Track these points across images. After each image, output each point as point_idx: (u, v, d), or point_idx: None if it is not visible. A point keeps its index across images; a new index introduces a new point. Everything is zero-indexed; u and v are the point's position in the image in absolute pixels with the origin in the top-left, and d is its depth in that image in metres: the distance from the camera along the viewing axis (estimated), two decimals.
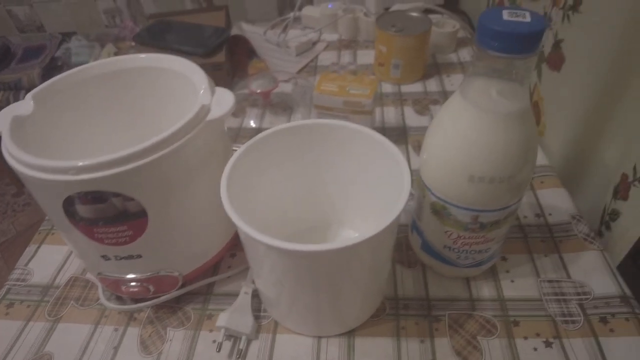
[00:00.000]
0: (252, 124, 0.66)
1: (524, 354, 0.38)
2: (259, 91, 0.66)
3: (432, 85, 0.71)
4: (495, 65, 0.31)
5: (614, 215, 0.46)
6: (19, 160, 0.33)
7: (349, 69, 0.77)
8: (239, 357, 0.39)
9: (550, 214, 0.49)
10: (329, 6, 0.84)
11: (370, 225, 0.31)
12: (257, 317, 0.42)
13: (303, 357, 0.39)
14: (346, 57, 0.80)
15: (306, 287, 0.35)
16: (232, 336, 0.41)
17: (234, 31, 0.77)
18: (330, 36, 0.86)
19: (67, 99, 0.41)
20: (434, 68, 0.75)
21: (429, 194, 0.38)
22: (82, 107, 0.43)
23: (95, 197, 0.32)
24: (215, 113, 0.36)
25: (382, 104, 0.68)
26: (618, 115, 0.47)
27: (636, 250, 0.43)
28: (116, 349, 0.41)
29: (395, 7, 0.78)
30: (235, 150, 0.38)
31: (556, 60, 0.56)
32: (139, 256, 0.38)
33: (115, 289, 0.42)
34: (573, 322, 0.40)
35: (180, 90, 0.42)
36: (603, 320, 0.40)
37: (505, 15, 0.29)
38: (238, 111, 0.68)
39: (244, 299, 0.43)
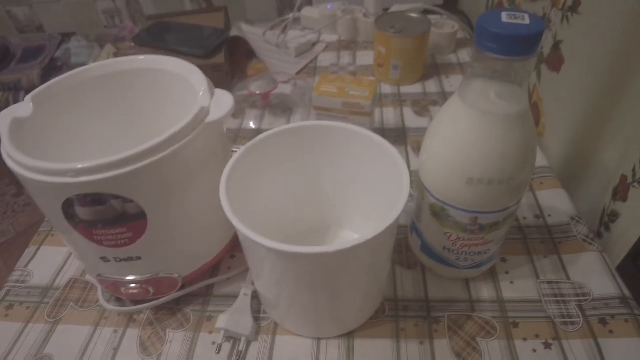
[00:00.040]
0: (252, 125, 0.66)
1: (523, 355, 0.38)
2: (258, 92, 0.66)
3: (432, 86, 0.71)
4: (494, 67, 0.31)
5: (613, 216, 0.46)
6: (18, 163, 0.33)
7: (349, 70, 0.77)
8: (238, 359, 0.39)
9: (549, 215, 0.49)
10: (328, 7, 0.84)
11: (370, 226, 0.31)
12: (256, 319, 0.42)
13: (302, 358, 0.39)
14: (345, 58, 0.80)
15: (305, 288, 0.35)
16: (231, 338, 0.41)
17: (234, 32, 0.77)
18: (329, 37, 0.86)
19: (66, 101, 0.41)
20: (433, 69, 0.75)
21: (428, 196, 0.38)
22: (81, 109, 0.43)
23: (94, 199, 0.32)
24: (214, 115, 0.36)
25: (381, 105, 0.68)
26: (617, 116, 0.47)
27: (635, 252, 0.43)
28: (116, 350, 0.41)
29: (394, 8, 0.78)
30: (235, 151, 0.38)
31: (555, 62, 0.56)
32: (139, 258, 0.38)
33: (115, 290, 0.42)
34: (572, 323, 0.40)
35: (179, 91, 0.42)
36: (602, 321, 0.40)
37: (504, 17, 0.29)
38: (237, 112, 0.68)
39: (244, 300, 0.43)
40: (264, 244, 0.30)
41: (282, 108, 0.68)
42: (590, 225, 0.49)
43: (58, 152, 0.40)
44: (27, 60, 1.58)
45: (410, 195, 0.39)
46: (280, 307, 0.39)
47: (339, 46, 0.83)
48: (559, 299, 0.42)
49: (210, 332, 0.42)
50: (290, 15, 0.87)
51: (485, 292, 0.43)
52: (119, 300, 0.45)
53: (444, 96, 0.69)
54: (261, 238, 0.30)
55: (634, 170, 0.43)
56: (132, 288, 0.40)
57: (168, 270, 0.41)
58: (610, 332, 0.39)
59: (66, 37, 1.68)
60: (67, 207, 0.33)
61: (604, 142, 0.49)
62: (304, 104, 0.68)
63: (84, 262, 0.41)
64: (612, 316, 0.40)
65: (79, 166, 0.31)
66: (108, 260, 0.38)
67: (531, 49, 0.29)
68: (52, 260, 0.50)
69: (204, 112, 0.36)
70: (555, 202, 0.51)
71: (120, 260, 0.38)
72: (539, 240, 0.47)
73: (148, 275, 0.40)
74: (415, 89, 0.71)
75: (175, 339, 0.41)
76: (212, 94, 0.38)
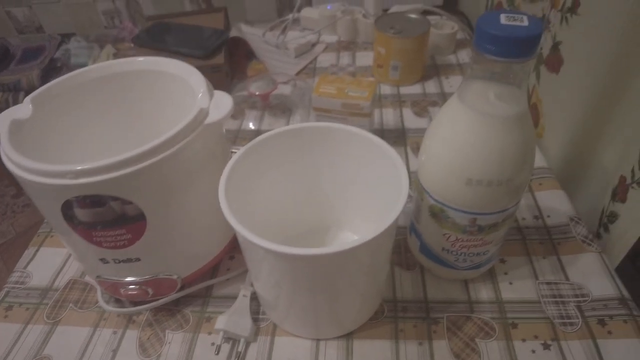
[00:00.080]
0: (251, 125, 0.66)
1: (522, 356, 0.38)
2: (257, 93, 0.66)
3: (431, 86, 0.71)
4: (493, 69, 0.31)
5: (612, 217, 0.46)
6: (18, 164, 0.33)
7: (348, 70, 0.77)
8: None
9: (548, 216, 0.49)
10: (328, 7, 0.84)
11: (369, 227, 0.31)
12: (255, 320, 0.42)
13: (301, 359, 0.39)
14: (345, 58, 0.80)
15: (304, 290, 0.35)
16: (230, 339, 0.41)
17: (233, 33, 0.77)
18: (329, 38, 0.86)
19: (65, 102, 0.41)
20: (432, 69, 0.75)
21: (427, 197, 0.38)
22: (80, 111, 0.43)
23: (93, 200, 0.32)
24: (213, 116, 0.36)
25: (380, 105, 0.68)
26: (616, 117, 0.47)
27: (634, 253, 0.43)
28: (115, 351, 0.41)
29: (393, 9, 0.78)
30: (234, 152, 0.38)
31: (555, 63, 0.56)
32: (138, 259, 0.38)
33: (114, 291, 0.42)
34: (571, 324, 0.40)
35: (178, 93, 0.42)
36: (601, 322, 0.40)
37: (503, 19, 0.29)
38: (237, 113, 0.68)
39: (243, 301, 0.43)
40: (263, 246, 0.30)
41: (282, 109, 0.68)
42: (589, 226, 0.49)
43: (57, 154, 0.40)
44: (27, 60, 1.58)
45: (409, 196, 0.39)
46: (279, 308, 0.39)
47: (338, 47, 0.83)
48: (557, 299, 0.42)
49: (210, 333, 0.42)
50: (290, 16, 0.87)
51: (484, 293, 0.43)
52: (118, 302, 0.45)
53: (443, 97, 0.69)
54: (259, 239, 0.30)
55: (632, 171, 0.43)
56: (132, 289, 0.40)
57: (167, 271, 0.41)
58: (609, 333, 0.39)
59: (66, 37, 1.68)
60: (66, 209, 0.33)
61: (603, 143, 0.49)
62: (304, 105, 0.68)
63: (83, 263, 0.41)
64: (611, 317, 0.40)
65: (78, 168, 0.31)
66: (107, 262, 0.38)
67: (530, 50, 0.29)
68: (52, 261, 0.50)
69: (203, 113, 0.36)
70: (554, 203, 0.51)
71: (120, 262, 0.38)
72: (538, 241, 0.47)
73: (147, 277, 0.40)
74: (414, 89, 0.71)
75: (175, 340, 0.41)
76: (211, 96, 0.38)
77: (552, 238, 0.47)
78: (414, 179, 0.40)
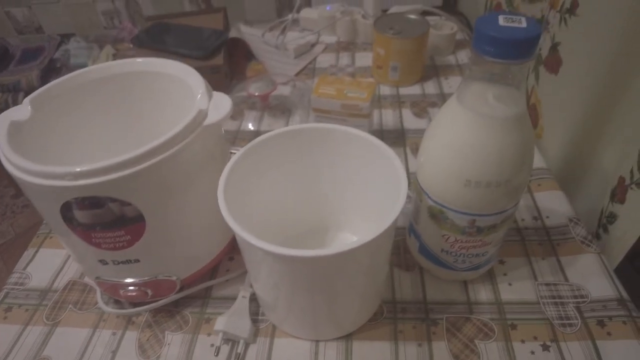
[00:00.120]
0: (250, 126, 0.66)
1: (521, 357, 0.38)
2: (257, 94, 0.66)
3: (430, 87, 0.71)
4: (491, 70, 0.31)
5: (611, 218, 0.46)
6: (17, 166, 0.33)
7: (347, 71, 0.77)
8: None
9: (547, 217, 0.49)
10: (327, 8, 0.84)
11: (368, 228, 0.31)
12: (255, 321, 0.42)
13: None
14: (344, 59, 0.80)
15: (304, 291, 0.35)
16: (230, 340, 0.41)
17: (233, 33, 0.77)
18: (328, 38, 0.86)
19: (64, 103, 0.41)
20: (432, 70, 0.75)
21: (426, 198, 0.38)
22: (79, 112, 0.43)
23: (92, 202, 0.32)
24: (212, 118, 0.36)
25: (380, 106, 0.68)
26: (615, 117, 0.47)
27: (633, 253, 0.43)
28: (114, 352, 0.41)
29: (393, 10, 0.78)
30: (233, 153, 0.38)
31: (553, 63, 0.56)
32: (137, 260, 0.38)
33: (114, 293, 0.42)
34: (570, 325, 0.40)
35: (177, 94, 0.42)
36: (600, 323, 0.40)
37: (501, 20, 0.29)
38: (236, 114, 0.68)
39: (242, 302, 0.43)
40: (262, 247, 0.30)
41: (281, 109, 0.68)
42: (589, 227, 0.49)
43: (56, 155, 0.40)
44: (26, 61, 1.58)
45: (408, 197, 0.39)
46: (279, 309, 0.39)
47: (337, 47, 0.83)
48: (557, 300, 0.42)
49: (209, 334, 0.42)
50: (289, 17, 0.87)
51: (483, 294, 0.43)
52: (118, 303, 0.45)
53: (442, 97, 0.69)
54: (258, 241, 0.30)
55: (631, 172, 0.43)
56: (131, 290, 0.40)
57: (166, 272, 0.41)
58: (608, 334, 0.39)
59: (65, 38, 1.67)
60: (66, 210, 0.33)
61: (602, 144, 0.49)
62: (303, 106, 0.68)
63: (82, 264, 0.41)
64: (610, 318, 0.40)
65: (77, 169, 0.31)
66: (106, 263, 0.38)
67: (528, 52, 0.29)
68: (51, 262, 0.50)
69: (202, 114, 0.36)
70: (554, 203, 0.51)
71: (119, 263, 0.38)
72: (537, 242, 0.47)
73: (146, 278, 0.40)
74: (414, 90, 0.71)
75: (174, 341, 0.41)
76: (210, 97, 0.38)
77: (551, 239, 0.47)
78: (413, 179, 0.40)
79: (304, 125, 0.40)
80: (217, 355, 0.40)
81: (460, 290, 0.44)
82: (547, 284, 0.43)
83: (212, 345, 0.41)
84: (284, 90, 0.70)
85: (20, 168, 0.32)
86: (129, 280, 0.40)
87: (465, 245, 0.39)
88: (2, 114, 0.37)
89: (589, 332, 0.39)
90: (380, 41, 0.69)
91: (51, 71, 1.55)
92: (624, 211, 0.44)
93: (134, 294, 0.41)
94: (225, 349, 0.41)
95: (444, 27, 0.78)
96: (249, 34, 0.86)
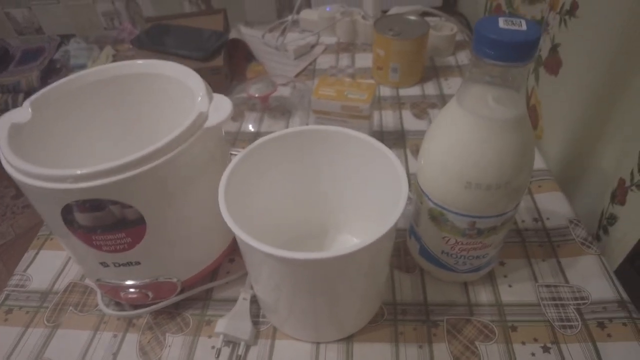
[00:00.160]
0: (251, 128, 0.66)
1: (521, 359, 0.38)
2: (257, 95, 0.66)
3: (430, 88, 0.71)
4: (491, 73, 0.31)
5: (612, 219, 0.46)
6: (17, 169, 0.33)
7: (347, 72, 0.77)
8: None
9: (547, 218, 0.49)
10: (327, 9, 0.84)
11: (369, 229, 0.31)
12: (255, 323, 0.42)
13: None
14: (344, 60, 0.80)
15: (304, 293, 0.35)
16: (230, 342, 0.41)
17: (233, 34, 0.77)
18: (328, 39, 0.86)
19: (65, 106, 0.41)
20: (432, 71, 0.75)
21: (426, 200, 0.38)
22: (79, 114, 0.43)
23: (93, 205, 0.33)
24: (213, 120, 0.36)
25: (380, 107, 0.68)
26: (615, 118, 0.47)
27: (634, 255, 0.43)
28: (115, 354, 0.41)
29: (392, 11, 0.78)
30: (234, 154, 0.38)
31: (553, 65, 0.56)
32: (138, 263, 0.38)
33: (114, 295, 0.42)
34: (570, 327, 0.40)
35: (177, 96, 0.42)
36: (600, 325, 0.40)
37: (501, 23, 0.29)
38: (236, 115, 0.68)
39: (243, 304, 0.43)
40: (262, 250, 0.30)
41: (281, 111, 0.68)
42: (589, 228, 0.49)
43: (57, 157, 0.40)
44: (26, 62, 1.58)
45: (409, 199, 0.39)
46: (279, 311, 0.39)
47: (337, 48, 0.83)
48: (557, 302, 0.42)
49: (210, 337, 0.42)
50: (289, 17, 0.87)
51: (483, 295, 0.43)
52: (118, 305, 0.45)
53: (442, 99, 0.69)
54: (259, 244, 0.30)
55: (632, 173, 0.43)
56: (132, 292, 0.40)
57: (167, 274, 0.41)
58: (609, 335, 0.39)
59: (65, 39, 1.68)
60: (66, 213, 0.33)
61: (602, 145, 0.49)
62: (303, 107, 0.68)
63: (83, 266, 0.42)
64: (610, 320, 0.40)
65: (78, 172, 0.31)
66: (107, 265, 0.38)
67: (528, 55, 0.29)
68: (51, 264, 0.50)
69: (203, 117, 0.36)
70: (554, 205, 0.51)
71: (120, 265, 0.38)
72: (537, 243, 0.47)
73: (147, 280, 0.40)
74: (414, 91, 0.71)
75: (175, 343, 0.41)
76: (210, 99, 0.38)
77: (551, 240, 0.47)
78: (413, 181, 0.40)
79: (305, 127, 0.40)
80: (217, 357, 0.40)
81: (460, 292, 0.44)
82: (547, 286, 0.43)
83: (213, 347, 0.41)
84: (284, 92, 0.70)
85: (21, 171, 0.32)
86: (129, 282, 0.40)
87: (466, 247, 0.39)
88: (3, 116, 0.37)
89: (590, 333, 0.39)
90: (380, 42, 0.69)
91: (51, 72, 1.55)
92: (624, 213, 0.44)
93: (134, 296, 0.41)
94: (226, 351, 0.41)
95: (444, 28, 0.78)
96: (249, 35, 0.86)
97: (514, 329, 0.40)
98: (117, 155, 0.32)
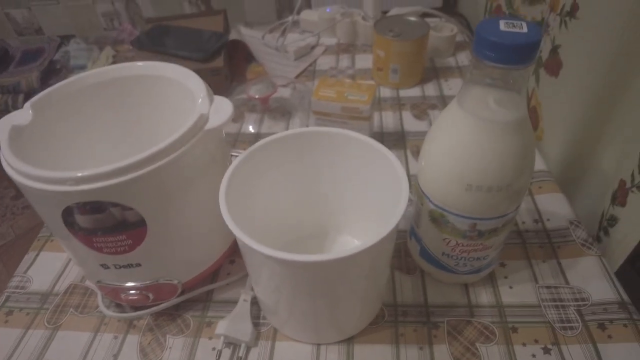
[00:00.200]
0: (251, 129, 0.66)
1: None
2: (257, 96, 0.66)
3: (430, 89, 0.71)
4: (492, 75, 0.31)
5: (612, 221, 0.46)
6: (18, 171, 0.33)
7: (347, 73, 0.77)
8: None
9: (548, 220, 0.49)
10: (327, 10, 0.84)
11: (369, 231, 0.31)
12: (256, 325, 0.42)
13: None
14: (344, 61, 0.80)
15: (304, 295, 0.35)
16: (231, 343, 0.41)
17: (233, 35, 0.77)
18: (328, 40, 0.86)
19: (65, 108, 0.41)
20: (432, 72, 0.75)
21: (427, 202, 0.38)
22: (80, 116, 0.43)
23: (94, 207, 0.33)
24: (213, 122, 0.36)
25: (380, 108, 0.68)
26: (616, 119, 0.47)
27: (634, 256, 0.43)
28: (116, 356, 0.41)
29: (393, 12, 0.78)
30: (234, 155, 0.38)
31: (554, 66, 0.56)
32: (138, 265, 0.38)
33: (115, 296, 0.42)
34: (571, 328, 0.40)
35: (177, 97, 0.42)
36: (601, 326, 0.40)
37: (502, 25, 0.29)
38: (236, 116, 0.68)
39: (243, 306, 0.43)
40: (263, 252, 0.30)
41: (281, 112, 0.68)
42: (589, 229, 0.49)
43: (57, 160, 0.40)
44: (26, 62, 1.58)
45: (410, 200, 0.39)
46: (280, 313, 0.39)
47: (337, 49, 0.83)
48: (557, 303, 0.42)
49: (210, 338, 0.42)
50: (289, 18, 0.87)
51: (484, 297, 0.43)
52: (119, 306, 0.45)
53: (443, 100, 0.69)
54: (260, 246, 0.30)
55: (632, 175, 0.43)
56: (132, 294, 0.40)
57: (168, 276, 0.41)
58: (609, 337, 0.39)
59: (65, 39, 1.68)
60: (67, 215, 0.33)
61: (602, 146, 0.49)
62: (303, 108, 0.68)
63: (83, 268, 0.41)
64: (611, 321, 0.40)
65: (79, 174, 0.31)
66: (108, 267, 0.38)
67: (529, 57, 0.29)
68: (52, 265, 0.50)
69: (203, 119, 0.36)
70: (554, 206, 0.51)
71: (120, 267, 0.38)
72: (538, 244, 0.47)
73: (148, 282, 0.40)
74: (414, 92, 0.71)
75: (175, 345, 0.41)
76: (211, 101, 0.38)
77: (552, 242, 0.47)
78: (413, 182, 0.40)
79: (305, 128, 0.40)
80: (218, 358, 0.40)
81: (461, 294, 0.44)
82: (547, 287, 0.43)
83: (214, 348, 0.41)
84: (284, 93, 0.70)
85: (22, 173, 0.32)
86: (130, 284, 0.40)
87: (467, 248, 0.39)
88: (3, 118, 0.37)
89: (590, 335, 0.39)
90: (380, 43, 0.69)
91: (51, 73, 1.55)
92: (624, 214, 0.45)
93: (135, 297, 0.41)
94: (226, 352, 0.41)
95: (444, 29, 0.78)
96: (249, 36, 0.86)
97: (515, 330, 0.40)
98: (117, 158, 0.32)
